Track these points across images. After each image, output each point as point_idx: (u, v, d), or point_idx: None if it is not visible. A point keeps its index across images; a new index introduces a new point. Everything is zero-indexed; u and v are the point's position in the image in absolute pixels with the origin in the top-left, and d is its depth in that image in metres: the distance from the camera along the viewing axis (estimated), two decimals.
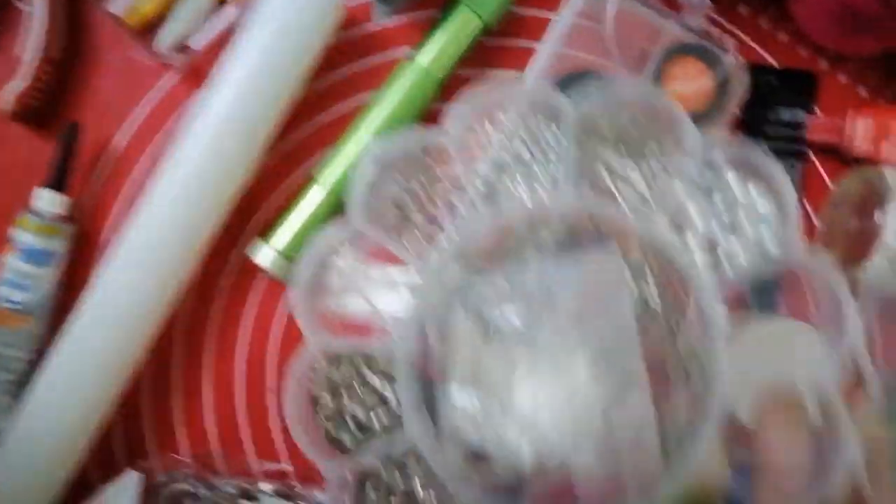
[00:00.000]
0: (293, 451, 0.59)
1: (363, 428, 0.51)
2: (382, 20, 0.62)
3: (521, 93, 0.53)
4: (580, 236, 0.49)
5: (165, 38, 0.59)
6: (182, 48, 0.60)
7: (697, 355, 0.46)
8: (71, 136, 0.58)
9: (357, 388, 0.51)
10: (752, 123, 0.61)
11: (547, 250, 0.48)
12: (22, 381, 0.57)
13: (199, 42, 0.60)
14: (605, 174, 0.50)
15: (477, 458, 0.46)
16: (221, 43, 0.58)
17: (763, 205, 0.48)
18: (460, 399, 0.46)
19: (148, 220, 0.55)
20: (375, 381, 0.51)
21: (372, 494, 0.49)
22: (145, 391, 0.61)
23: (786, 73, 0.63)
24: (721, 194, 0.49)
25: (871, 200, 0.53)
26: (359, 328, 0.52)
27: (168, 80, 0.62)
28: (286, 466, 0.60)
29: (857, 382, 0.44)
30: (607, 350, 0.45)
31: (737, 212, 0.49)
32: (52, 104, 0.61)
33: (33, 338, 0.58)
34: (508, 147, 0.52)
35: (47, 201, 0.58)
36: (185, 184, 0.55)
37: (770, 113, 0.62)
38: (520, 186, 0.51)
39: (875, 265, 0.51)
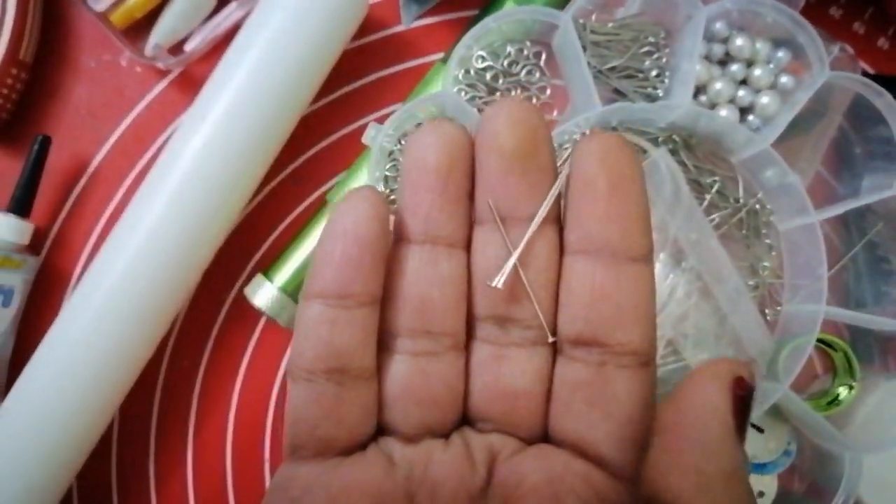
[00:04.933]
0: None
1: None
2: (411, 22, 0.53)
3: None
4: None
5: (156, 39, 0.50)
6: (175, 51, 0.51)
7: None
8: (40, 152, 0.49)
9: None
10: (851, 130, 0.50)
11: None
12: None
13: (195, 44, 0.51)
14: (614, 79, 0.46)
15: None
16: (221, 45, 0.50)
17: (777, 55, 0.47)
18: None
19: (126, 252, 0.46)
20: None
21: None
22: (117, 457, 0.51)
23: (889, 81, 0.52)
24: (735, 61, 0.48)
25: None
26: None
27: (158, 88, 0.52)
28: None
29: None
30: (689, 241, 0.43)
31: (753, 70, 0.47)
32: (21, 115, 0.51)
33: None
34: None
35: (7, 228, 0.48)
36: (173, 210, 0.46)
37: (870, 128, 0.51)
38: None
39: None
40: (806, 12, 0.51)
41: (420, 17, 0.53)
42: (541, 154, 0.23)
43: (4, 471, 0.44)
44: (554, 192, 0.23)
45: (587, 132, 0.23)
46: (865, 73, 0.53)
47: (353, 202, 0.22)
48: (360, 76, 0.53)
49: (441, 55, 0.52)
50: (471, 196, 0.24)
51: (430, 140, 0.23)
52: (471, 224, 0.24)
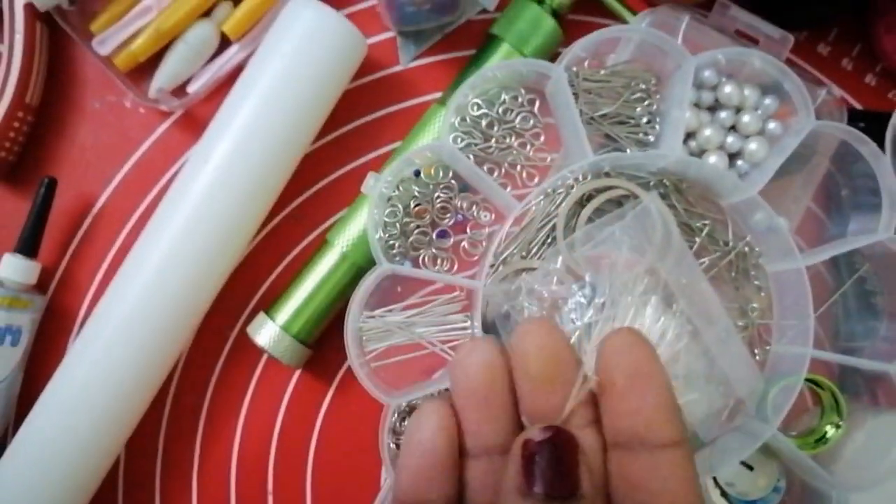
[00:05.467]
0: None
1: None
2: (409, 62, 0.54)
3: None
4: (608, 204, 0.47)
5: (160, 80, 0.52)
6: (178, 93, 0.52)
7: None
8: (46, 194, 0.50)
9: None
10: (838, 173, 0.52)
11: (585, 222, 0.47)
12: None
13: (197, 86, 0.52)
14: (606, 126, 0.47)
15: None
16: (224, 86, 0.51)
17: (764, 101, 0.49)
18: None
19: (131, 290, 0.47)
20: None
21: None
22: (123, 494, 0.52)
23: (876, 117, 0.53)
24: (724, 108, 0.49)
25: None
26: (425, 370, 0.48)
27: (161, 129, 0.54)
28: None
29: None
30: (680, 284, 0.44)
31: (742, 117, 0.49)
32: (28, 157, 0.53)
33: None
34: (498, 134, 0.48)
35: (14, 269, 0.49)
36: (177, 247, 0.47)
37: (855, 170, 0.52)
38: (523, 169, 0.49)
39: None
40: (795, 49, 0.53)
41: (417, 57, 0.55)
42: (565, 370, 0.25)
43: None
44: (573, 398, 0.25)
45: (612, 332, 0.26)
46: (853, 110, 0.54)
47: (422, 416, 0.25)
48: (360, 116, 0.54)
49: (438, 94, 0.53)
50: (516, 403, 0.26)
51: (469, 362, 0.26)
52: (522, 427, 0.26)
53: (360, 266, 0.49)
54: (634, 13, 0.52)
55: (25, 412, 0.47)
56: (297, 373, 0.53)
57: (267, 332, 0.49)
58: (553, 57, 0.52)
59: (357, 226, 0.49)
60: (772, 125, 0.47)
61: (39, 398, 0.47)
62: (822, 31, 0.56)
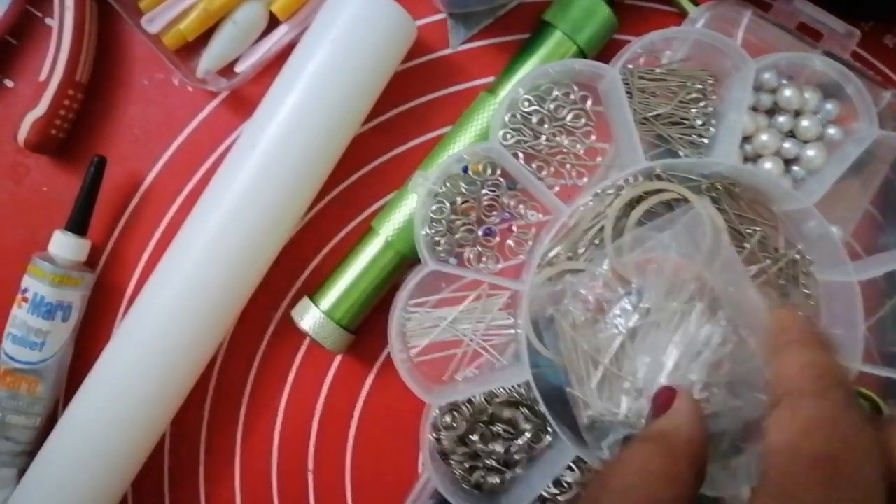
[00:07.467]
0: None
1: (503, 462, 0.47)
2: (458, 46, 0.53)
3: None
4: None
5: (208, 61, 0.51)
6: (226, 72, 0.52)
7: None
8: (96, 171, 0.51)
9: (485, 428, 0.47)
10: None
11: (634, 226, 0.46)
12: (29, 451, 0.50)
13: (246, 66, 0.52)
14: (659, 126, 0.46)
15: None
16: (272, 66, 0.51)
17: (825, 106, 0.48)
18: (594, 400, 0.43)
19: (179, 269, 0.48)
20: (502, 413, 0.47)
21: None
22: (169, 467, 0.54)
23: None
24: (783, 112, 0.48)
25: None
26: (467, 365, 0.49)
27: (209, 108, 0.53)
28: None
29: None
30: (727, 291, 0.43)
31: (801, 121, 0.48)
32: (77, 134, 0.53)
33: (41, 403, 0.50)
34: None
35: (65, 246, 0.50)
36: (224, 230, 0.48)
37: None
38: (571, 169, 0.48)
39: None
40: (861, 41, 0.51)
41: (467, 40, 0.54)
42: None
43: (68, 477, 0.47)
44: None
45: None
46: None
47: None
48: (408, 100, 0.53)
49: (488, 80, 0.53)
50: None
51: None
52: None
53: (403, 255, 0.49)
54: (696, 4, 0.50)
55: (76, 386, 0.49)
56: (340, 356, 0.53)
57: (311, 318, 0.49)
58: (608, 44, 0.50)
59: (402, 214, 0.49)
60: (832, 130, 0.46)
61: (90, 374, 0.48)
62: (889, 22, 0.54)
